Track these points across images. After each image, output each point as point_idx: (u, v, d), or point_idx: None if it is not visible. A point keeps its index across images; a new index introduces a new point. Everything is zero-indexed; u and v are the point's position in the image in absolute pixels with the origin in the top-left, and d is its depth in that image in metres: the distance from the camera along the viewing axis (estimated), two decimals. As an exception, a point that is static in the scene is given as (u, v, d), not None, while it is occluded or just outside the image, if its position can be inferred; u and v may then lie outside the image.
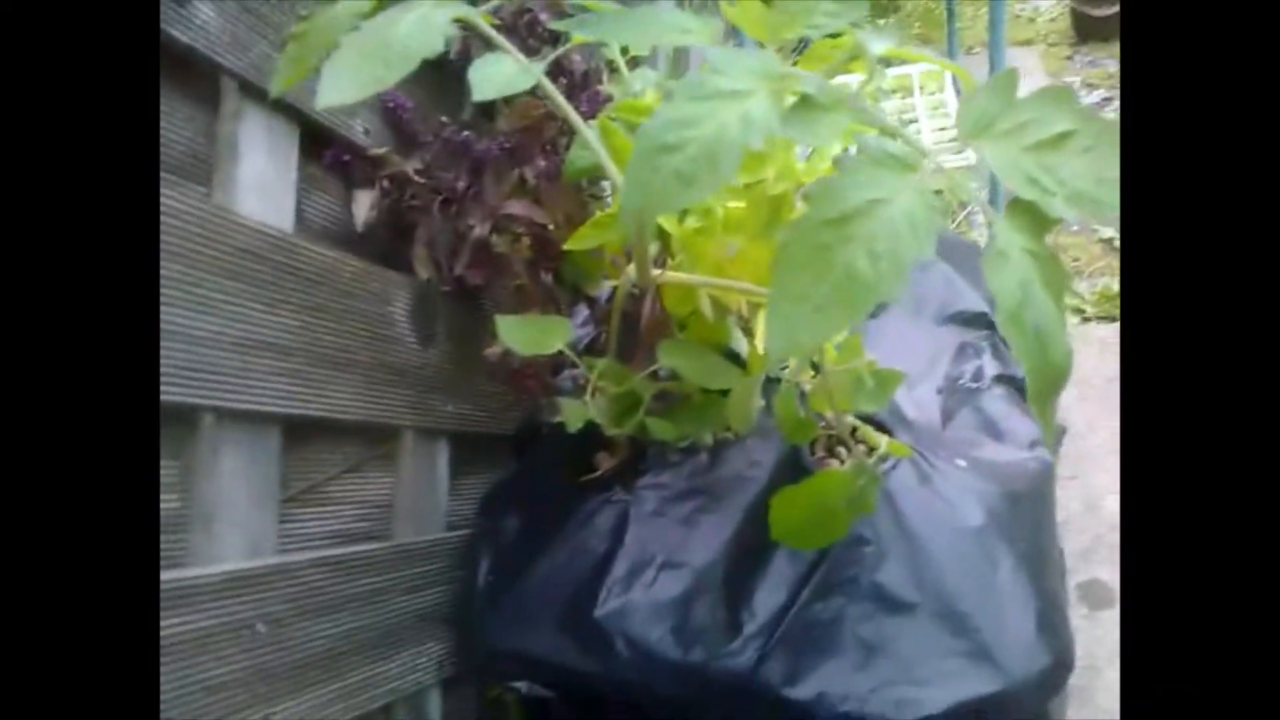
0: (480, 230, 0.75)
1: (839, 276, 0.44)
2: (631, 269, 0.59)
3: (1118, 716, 0.95)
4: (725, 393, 0.77)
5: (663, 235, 0.65)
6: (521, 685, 0.78)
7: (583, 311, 0.90)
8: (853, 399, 0.62)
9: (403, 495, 0.80)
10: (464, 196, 0.77)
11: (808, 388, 0.66)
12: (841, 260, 0.46)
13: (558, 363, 0.83)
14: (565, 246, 0.67)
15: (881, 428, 0.79)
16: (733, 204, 0.63)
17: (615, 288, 0.74)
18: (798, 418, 0.63)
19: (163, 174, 0.57)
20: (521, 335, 0.67)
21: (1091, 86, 2.42)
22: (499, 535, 0.84)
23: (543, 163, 0.78)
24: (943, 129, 1.93)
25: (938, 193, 0.47)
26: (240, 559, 0.61)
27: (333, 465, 0.74)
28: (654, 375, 0.73)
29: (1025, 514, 0.74)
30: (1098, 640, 1.06)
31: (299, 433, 0.68)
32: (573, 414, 0.73)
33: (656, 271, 0.57)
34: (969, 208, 1.85)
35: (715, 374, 0.66)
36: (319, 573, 0.68)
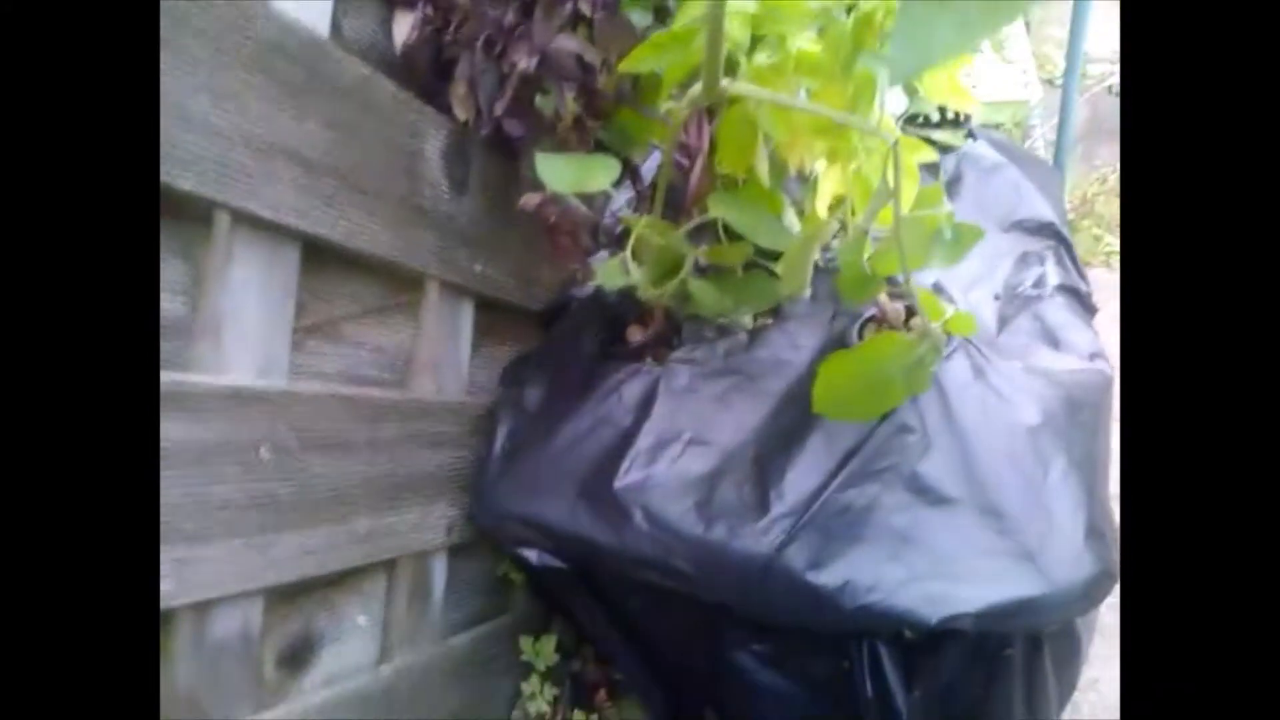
0: (525, 66, 0.69)
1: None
2: (696, 89, 0.53)
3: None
4: (772, 269, 0.72)
5: (728, 69, 0.59)
6: (532, 554, 0.75)
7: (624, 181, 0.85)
8: (928, 253, 0.56)
9: (423, 348, 0.76)
10: (511, 32, 0.71)
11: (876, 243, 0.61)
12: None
13: (595, 223, 0.78)
14: (621, 68, 0.61)
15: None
16: (808, 43, 0.57)
17: (668, 137, 0.68)
18: (862, 273, 0.58)
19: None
20: (562, 172, 0.61)
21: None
22: (520, 404, 0.81)
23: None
24: (1011, 60, 1.83)
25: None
26: (247, 376, 0.57)
27: (354, 302, 0.70)
28: (700, 237, 0.68)
29: (1081, 420, 0.69)
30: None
31: (319, 259, 0.64)
32: (610, 272, 0.68)
33: (726, 81, 0.51)
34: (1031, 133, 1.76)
35: (769, 231, 0.61)
36: (330, 408, 0.64)
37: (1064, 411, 0.67)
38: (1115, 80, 2.13)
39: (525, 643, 0.90)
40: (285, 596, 0.64)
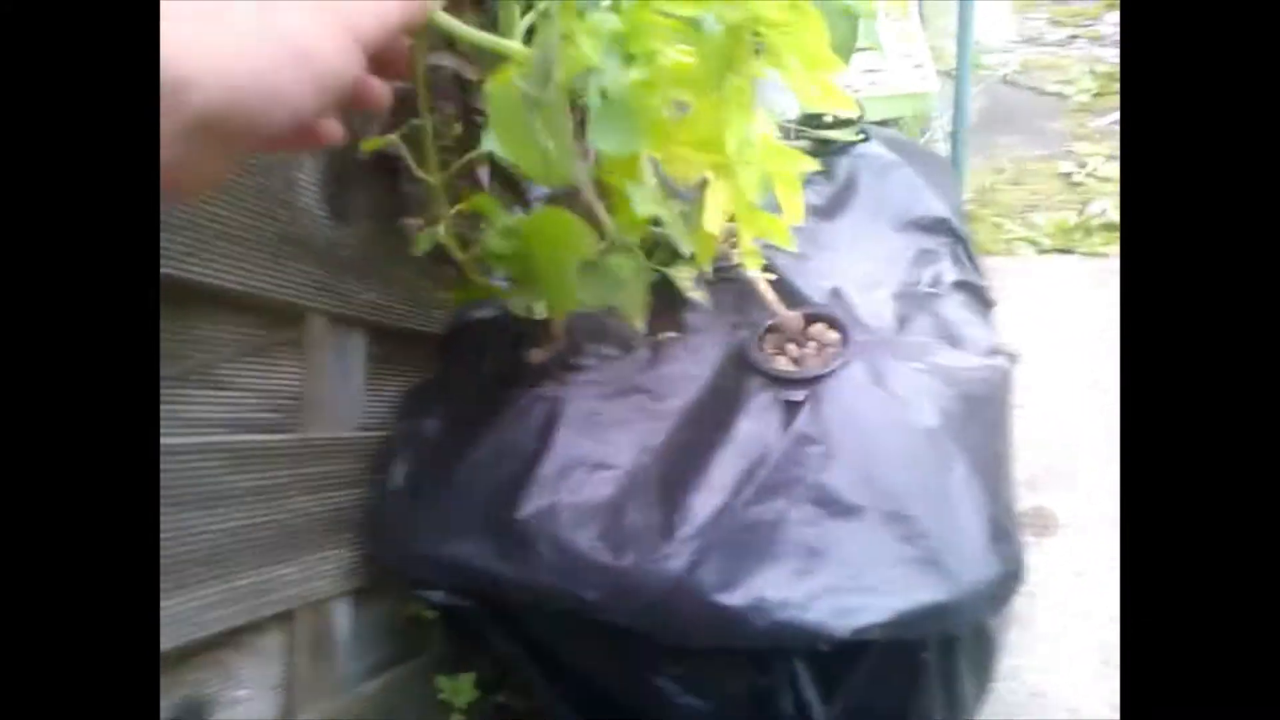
0: (400, 84, 0.66)
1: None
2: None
3: (1054, 638, 0.93)
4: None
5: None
6: (438, 594, 0.72)
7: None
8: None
9: (312, 386, 0.72)
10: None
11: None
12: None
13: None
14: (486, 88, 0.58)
15: (837, 325, 0.74)
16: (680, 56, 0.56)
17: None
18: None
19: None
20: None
21: (1059, 24, 2.38)
22: (419, 435, 0.78)
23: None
24: (907, 55, 1.87)
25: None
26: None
27: (228, 345, 0.66)
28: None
29: (981, 418, 0.69)
30: (1041, 567, 1.04)
31: (185, 302, 0.60)
32: (423, 238, 0.67)
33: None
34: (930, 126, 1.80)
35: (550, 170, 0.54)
36: (207, 459, 0.60)
37: (963, 411, 0.68)
38: (1010, 69, 2.20)
39: (442, 681, 0.86)
40: (167, 664, 0.60)
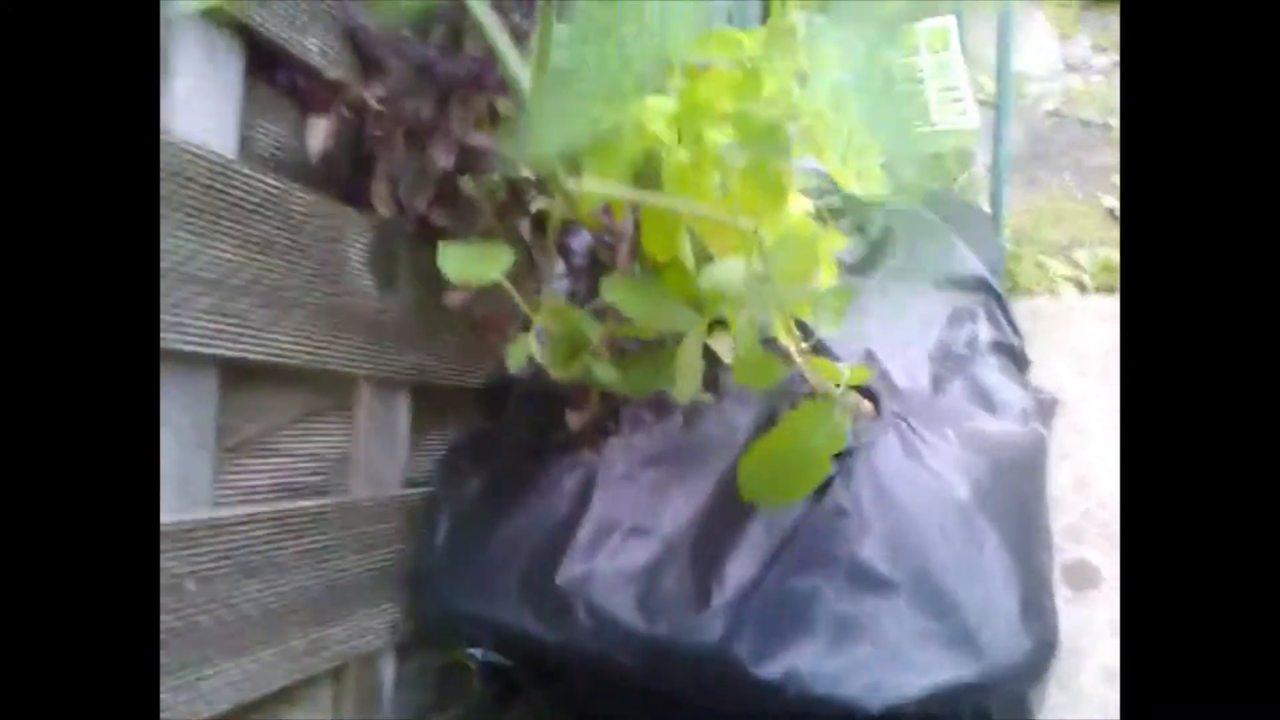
0: (445, 163, 0.69)
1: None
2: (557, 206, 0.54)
3: (1101, 700, 0.92)
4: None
5: (653, 165, 0.60)
6: (478, 651, 0.74)
7: (560, 263, 0.85)
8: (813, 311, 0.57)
9: (359, 449, 0.75)
10: (429, 127, 0.71)
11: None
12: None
13: (521, 316, 0.78)
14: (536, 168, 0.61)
15: (869, 395, 0.74)
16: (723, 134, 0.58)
17: (550, 219, 0.68)
18: (757, 354, 0.58)
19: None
20: (459, 262, 0.61)
21: (1101, 49, 2.35)
22: (460, 494, 0.80)
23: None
24: (947, 88, 1.86)
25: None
26: (169, 513, 0.56)
27: (282, 413, 0.69)
28: (603, 315, 0.67)
29: (1014, 489, 0.70)
30: (1084, 621, 1.03)
31: (240, 378, 0.63)
32: (516, 351, 0.68)
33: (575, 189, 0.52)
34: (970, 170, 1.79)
35: (664, 315, 0.60)
36: (259, 528, 0.63)
37: (996, 482, 0.68)
38: (1053, 99, 2.17)
39: (483, 728, 0.88)
40: (223, 724, 0.62)
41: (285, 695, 0.68)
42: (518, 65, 0.52)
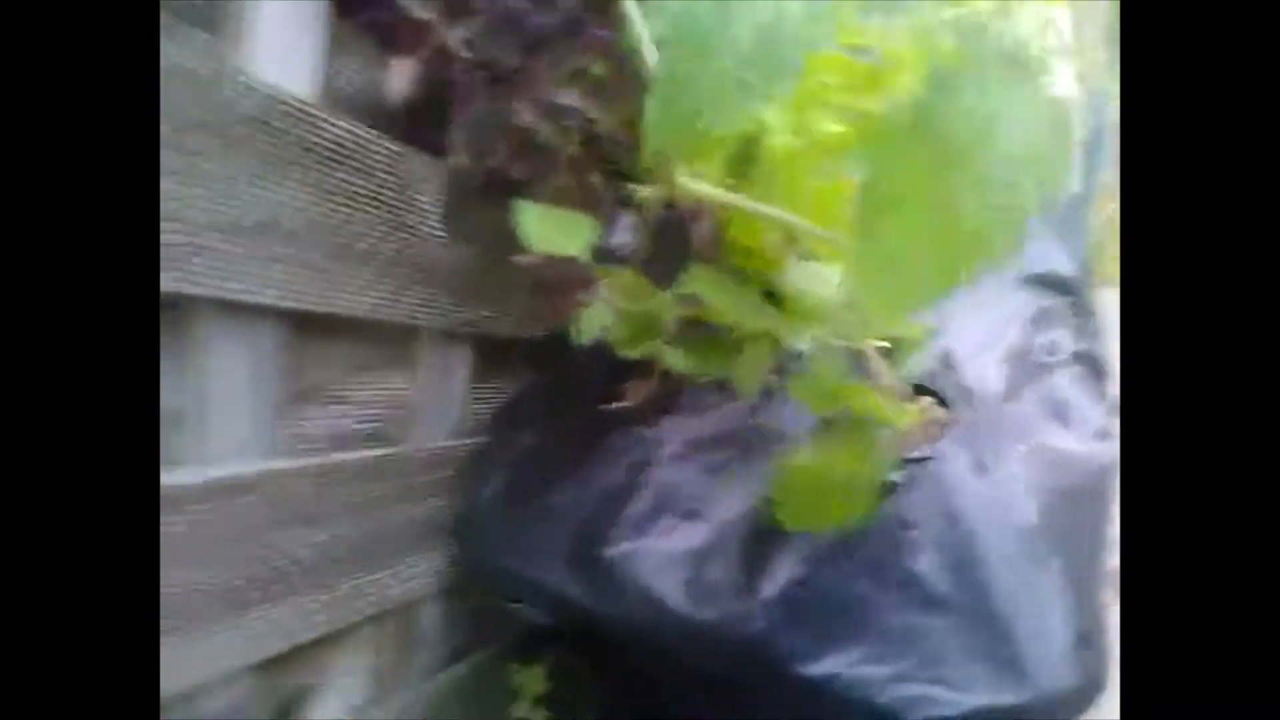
0: (525, 118, 0.66)
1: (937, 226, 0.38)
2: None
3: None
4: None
5: (751, 150, 0.56)
6: (520, 607, 0.76)
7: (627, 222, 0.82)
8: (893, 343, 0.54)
9: (417, 399, 0.75)
10: (513, 78, 0.68)
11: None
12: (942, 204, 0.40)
13: (591, 281, 0.76)
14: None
15: (937, 398, 0.72)
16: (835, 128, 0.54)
17: (646, 196, 0.65)
18: (827, 381, 0.55)
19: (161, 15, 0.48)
20: (540, 228, 0.59)
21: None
22: (512, 450, 0.80)
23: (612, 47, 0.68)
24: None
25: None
26: (228, 465, 0.56)
27: (344, 364, 0.68)
28: (681, 301, 0.65)
29: (1081, 515, 0.68)
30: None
31: (308, 327, 0.62)
32: (587, 322, 0.66)
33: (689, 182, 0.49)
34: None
35: (745, 312, 0.58)
36: (312, 479, 0.63)
37: (1064, 507, 0.66)
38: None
39: (514, 670, 0.91)
40: (273, 665, 0.64)
41: (328, 639, 0.70)
42: (646, 44, 0.48)
